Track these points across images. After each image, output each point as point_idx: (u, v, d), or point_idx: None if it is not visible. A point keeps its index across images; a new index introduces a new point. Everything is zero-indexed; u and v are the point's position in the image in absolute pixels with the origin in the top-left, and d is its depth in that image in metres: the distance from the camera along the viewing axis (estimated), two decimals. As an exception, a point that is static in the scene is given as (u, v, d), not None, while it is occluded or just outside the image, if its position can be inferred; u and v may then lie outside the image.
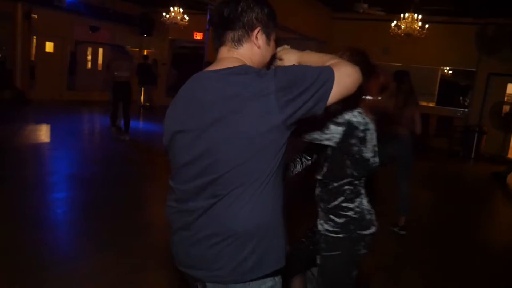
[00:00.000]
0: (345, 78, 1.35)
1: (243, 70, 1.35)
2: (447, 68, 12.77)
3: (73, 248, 3.52)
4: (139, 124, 10.47)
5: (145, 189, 5.46)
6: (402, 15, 9.55)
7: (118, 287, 2.90)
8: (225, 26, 1.42)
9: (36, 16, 11.83)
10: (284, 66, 1.45)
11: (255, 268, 1.35)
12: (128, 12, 14.07)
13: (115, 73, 7.49)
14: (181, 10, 11.83)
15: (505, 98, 11.51)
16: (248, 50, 1.44)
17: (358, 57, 1.95)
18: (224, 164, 1.30)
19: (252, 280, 1.37)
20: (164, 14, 11.94)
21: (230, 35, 1.43)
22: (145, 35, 14.75)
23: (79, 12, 12.47)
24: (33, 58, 12.62)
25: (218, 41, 1.47)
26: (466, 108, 12.25)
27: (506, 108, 11.42)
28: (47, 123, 9.09)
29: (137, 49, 15.43)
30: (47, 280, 2.89)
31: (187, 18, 12.03)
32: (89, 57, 15.21)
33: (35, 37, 12.45)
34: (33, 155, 6.56)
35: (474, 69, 11.64)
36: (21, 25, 11.49)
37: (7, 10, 11.37)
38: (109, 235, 3.73)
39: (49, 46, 12.84)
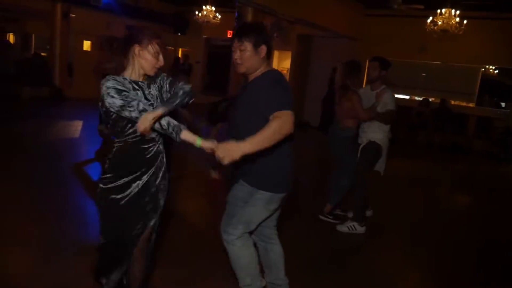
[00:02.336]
0: None
1: None
2: (492, 67, 12.13)
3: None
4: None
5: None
6: (438, 11, 9.16)
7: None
8: None
9: (74, 15, 12.21)
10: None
11: None
12: (162, 11, 14.27)
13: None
14: (213, 8, 11.88)
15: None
16: None
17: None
18: None
19: None
20: (196, 12, 12.02)
21: None
22: (179, 34, 14.91)
23: (115, 12, 12.75)
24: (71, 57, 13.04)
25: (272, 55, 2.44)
26: (507, 109, 11.60)
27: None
28: (82, 119, 9.34)
29: (173, 48, 15.64)
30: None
31: (219, 17, 12.07)
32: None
33: (73, 36, 12.85)
34: (66, 149, 6.74)
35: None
36: (60, 24, 11.89)
37: (47, 10, 11.81)
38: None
39: (86, 45, 13.22)
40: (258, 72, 2.35)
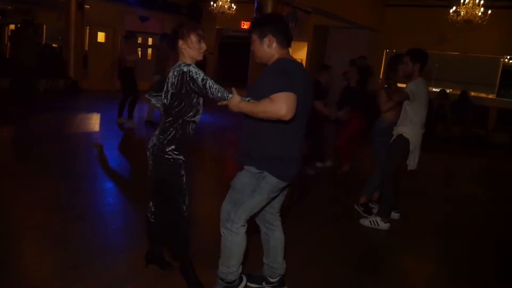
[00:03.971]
0: None
1: None
2: (508, 57, 11.88)
3: (121, 239, 3.50)
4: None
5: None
6: (461, 0, 8.93)
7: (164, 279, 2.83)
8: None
9: (88, 6, 12.13)
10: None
11: None
12: (177, 2, 14.14)
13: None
14: (228, -1, 11.73)
15: None
16: None
17: None
18: None
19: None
20: (211, 3, 11.87)
21: None
22: (193, 25, 14.77)
23: (129, 3, 12.66)
24: (86, 48, 12.99)
25: (289, 43, 2.48)
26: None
27: None
28: (98, 112, 9.30)
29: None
30: (94, 270, 2.86)
31: (234, 7, 11.92)
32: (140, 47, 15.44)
33: (87, 27, 12.79)
34: (81, 143, 6.70)
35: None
36: (74, 16, 11.82)
37: (62, 1, 11.74)
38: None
39: (100, 36, 13.15)
40: (271, 62, 2.44)
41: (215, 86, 2.36)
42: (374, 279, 3.22)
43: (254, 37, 2.43)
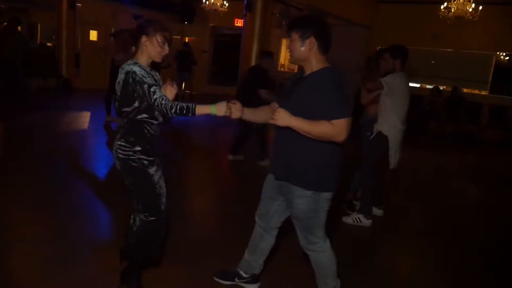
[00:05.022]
0: None
1: None
2: (503, 54, 11.87)
3: (112, 235, 3.49)
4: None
5: (184, 177, 5.41)
6: (452, -4, 8.93)
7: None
8: None
9: (80, 5, 12.07)
10: None
11: None
12: (170, 0, 14.07)
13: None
14: (221, -4, 11.69)
15: None
16: None
17: None
18: None
19: None
20: (203, 0, 11.83)
21: None
22: (186, 23, 14.72)
23: (122, 1, 12.59)
24: (78, 47, 12.92)
25: (328, 49, 2.36)
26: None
27: None
28: (90, 111, 9.25)
29: (179, 37, 15.45)
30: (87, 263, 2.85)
31: (226, 5, 11.88)
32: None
33: (79, 26, 12.72)
34: (73, 142, 6.67)
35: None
36: (66, 15, 11.75)
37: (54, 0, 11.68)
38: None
39: (93, 35, 13.09)
40: (314, 67, 2.32)
41: (160, 94, 2.29)
42: (355, 276, 3.21)
43: (295, 36, 2.31)
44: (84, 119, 8.56)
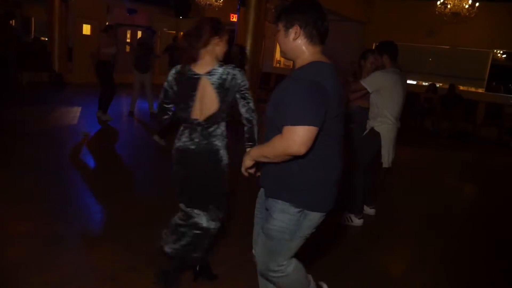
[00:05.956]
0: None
1: None
2: (501, 52, 11.78)
3: (104, 230, 3.40)
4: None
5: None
6: (449, -7, 8.84)
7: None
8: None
9: (73, -2, 11.93)
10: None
11: None
12: (164, -6, 13.95)
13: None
14: (215, -10, 11.57)
15: None
16: None
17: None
18: None
19: None
20: (198, -5, 11.72)
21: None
22: (180, 17, 14.60)
23: (115, -6, 12.47)
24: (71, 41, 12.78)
25: (322, 39, 1.95)
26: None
27: None
28: (81, 105, 9.13)
29: (174, 32, 15.32)
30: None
31: (221, -1, 11.76)
32: (128, 40, 15.21)
33: (72, 20, 12.57)
34: (64, 137, 6.56)
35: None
36: (59, 8, 11.60)
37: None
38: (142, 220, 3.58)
39: (86, 29, 12.93)
40: (303, 61, 1.92)
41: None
42: (345, 278, 3.12)
43: (280, 26, 1.96)
44: (74, 114, 8.44)
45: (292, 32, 1.91)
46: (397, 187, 5.81)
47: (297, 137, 1.69)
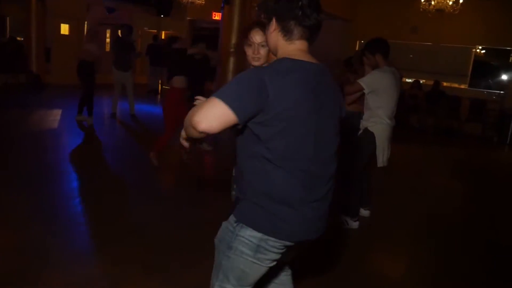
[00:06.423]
0: None
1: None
2: (480, 47, 11.89)
3: (84, 242, 3.20)
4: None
5: (156, 177, 5.14)
6: (433, -11, 8.84)
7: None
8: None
9: (50, -3, 11.57)
10: None
11: None
12: (145, -8, 13.66)
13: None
14: (197, -12, 11.37)
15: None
16: None
17: None
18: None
19: None
20: (180, -7, 11.49)
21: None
22: (162, 16, 14.33)
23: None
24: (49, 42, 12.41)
25: (304, 34, 1.62)
26: (501, 90, 11.39)
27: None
28: (59, 108, 8.84)
29: (155, 31, 15.04)
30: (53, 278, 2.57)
31: (203, -3, 11.57)
32: (108, 40, 14.86)
33: (50, 19, 12.20)
34: (42, 141, 6.30)
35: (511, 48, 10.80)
36: (35, 7, 11.25)
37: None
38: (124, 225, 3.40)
39: (64, 29, 12.57)
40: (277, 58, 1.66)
41: None
42: (340, 280, 3.01)
43: (264, 19, 1.71)
44: (55, 117, 8.16)
45: (271, 25, 1.65)
46: (389, 186, 5.75)
47: (206, 107, 1.43)
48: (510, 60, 11.12)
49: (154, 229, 3.61)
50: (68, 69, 12.32)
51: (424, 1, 9.00)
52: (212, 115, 1.42)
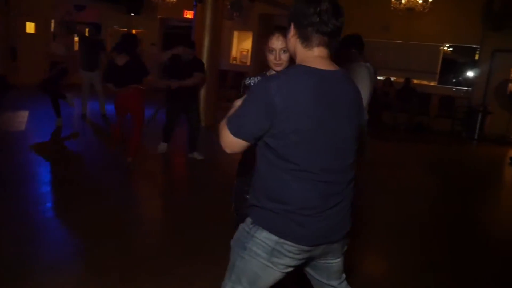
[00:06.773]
0: None
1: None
2: (447, 45, 12.19)
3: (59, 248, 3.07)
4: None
5: (133, 180, 5.01)
6: (403, -12, 8.98)
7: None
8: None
9: (14, -6, 11.15)
10: None
11: None
12: (114, -10, 13.35)
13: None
14: (168, -14, 11.20)
15: (511, 76, 10.99)
16: None
17: None
18: None
19: None
20: (151, -10, 11.29)
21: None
22: (132, 14, 14.05)
23: (62, -10, 11.79)
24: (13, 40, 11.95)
25: (323, 41, 1.56)
26: (469, 87, 11.70)
27: (512, 86, 10.94)
28: (27, 109, 8.54)
29: (125, 29, 14.72)
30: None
31: (175, -5, 11.41)
32: (76, 38, 14.45)
33: (14, 17, 11.75)
34: (9, 143, 6.06)
35: (477, 46, 11.09)
36: (-2, 5, 10.83)
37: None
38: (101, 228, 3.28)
39: (30, 27, 12.14)
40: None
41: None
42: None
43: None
44: (23, 118, 7.87)
45: (290, 31, 1.62)
46: (367, 184, 5.80)
47: (222, 133, 1.59)
48: (476, 58, 11.41)
49: (131, 233, 3.52)
50: (35, 68, 11.95)
51: (395, 0, 9.13)
52: (229, 142, 1.57)
